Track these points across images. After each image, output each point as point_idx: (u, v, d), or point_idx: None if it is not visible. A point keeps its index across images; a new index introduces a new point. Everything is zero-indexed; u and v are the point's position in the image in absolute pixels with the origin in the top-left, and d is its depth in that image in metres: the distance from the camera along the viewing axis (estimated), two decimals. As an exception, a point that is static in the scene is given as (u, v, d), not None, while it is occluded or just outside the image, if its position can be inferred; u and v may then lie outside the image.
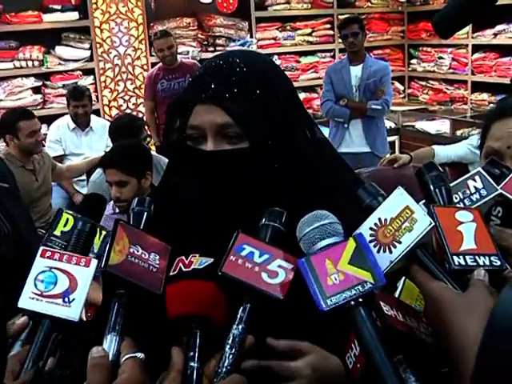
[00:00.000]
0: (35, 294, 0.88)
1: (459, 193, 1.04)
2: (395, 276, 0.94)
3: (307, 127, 1.19)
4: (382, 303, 0.85)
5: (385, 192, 0.98)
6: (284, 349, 1.00)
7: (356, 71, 5.00)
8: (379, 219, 0.90)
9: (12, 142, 3.96)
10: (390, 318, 0.84)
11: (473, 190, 1.04)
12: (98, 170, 3.80)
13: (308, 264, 0.83)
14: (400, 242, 0.87)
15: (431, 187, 1.00)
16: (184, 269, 0.91)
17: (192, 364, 0.85)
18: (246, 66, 1.11)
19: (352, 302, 0.80)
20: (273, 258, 0.90)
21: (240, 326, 0.87)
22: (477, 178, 1.05)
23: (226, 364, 0.85)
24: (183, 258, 0.92)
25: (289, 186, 1.11)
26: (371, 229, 0.90)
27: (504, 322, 0.63)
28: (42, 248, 0.92)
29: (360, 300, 0.80)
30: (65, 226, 1.07)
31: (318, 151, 1.20)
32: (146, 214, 1.01)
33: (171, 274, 0.91)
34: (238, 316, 0.88)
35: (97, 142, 5.14)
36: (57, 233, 1.06)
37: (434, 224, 0.87)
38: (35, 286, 0.88)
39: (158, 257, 0.93)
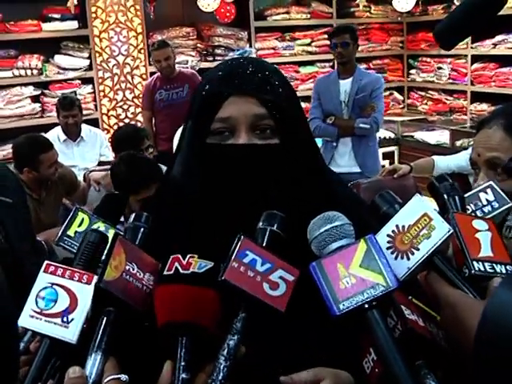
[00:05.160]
0: (35, 311, 0.85)
1: (471, 204, 1.06)
2: None
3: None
4: (403, 307, 0.85)
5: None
6: None
7: (345, 86, 4.65)
8: (397, 226, 0.90)
9: (30, 174, 3.74)
10: (412, 322, 0.84)
11: (485, 203, 1.06)
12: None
13: (319, 268, 0.83)
14: (418, 249, 0.87)
15: (445, 196, 1.02)
16: (182, 270, 0.86)
17: (183, 375, 0.82)
18: (269, 66, 1.13)
19: (365, 305, 0.80)
20: (274, 267, 0.87)
21: (235, 337, 0.84)
22: (488, 190, 1.08)
23: (220, 377, 0.81)
24: (179, 256, 0.87)
25: (305, 186, 1.11)
26: (389, 236, 0.90)
27: (495, 318, 0.65)
28: (45, 262, 0.88)
29: (373, 303, 0.80)
30: (79, 225, 1.04)
31: (319, 157, 1.21)
32: (142, 229, 0.98)
33: (165, 273, 0.87)
34: (234, 326, 0.85)
35: (89, 151, 5.09)
36: (70, 233, 1.04)
37: (452, 231, 0.87)
38: (36, 303, 0.85)
39: (152, 277, 0.90)
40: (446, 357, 0.86)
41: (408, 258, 0.87)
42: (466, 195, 1.07)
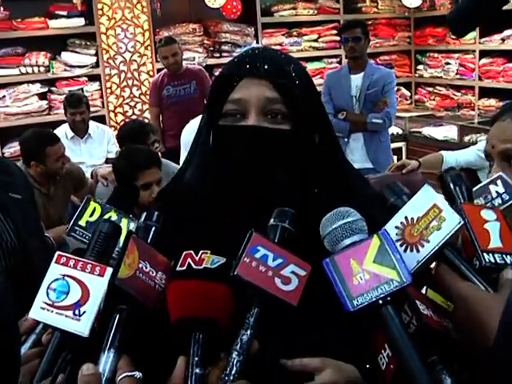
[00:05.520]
0: (46, 303, 0.84)
1: (481, 198, 1.04)
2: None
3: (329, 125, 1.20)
4: (418, 302, 0.84)
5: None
6: (298, 369, 0.96)
7: (356, 80, 4.60)
8: (405, 218, 0.89)
9: (37, 168, 3.75)
10: (427, 317, 0.83)
11: (494, 195, 1.05)
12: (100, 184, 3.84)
13: (333, 264, 0.82)
14: (428, 241, 0.86)
15: (452, 186, 1.00)
16: (194, 266, 0.86)
17: (197, 370, 0.82)
18: (286, 55, 1.14)
19: (380, 301, 0.79)
20: (286, 262, 0.87)
21: (248, 332, 0.84)
22: (498, 182, 1.06)
23: (233, 371, 0.82)
24: (192, 252, 0.88)
25: (317, 179, 1.10)
26: (397, 228, 0.89)
27: None
28: (57, 253, 0.88)
29: (388, 299, 0.79)
30: (91, 215, 1.04)
31: (338, 151, 1.19)
32: (154, 228, 0.98)
33: (178, 269, 0.87)
34: (247, 321, 0.85)
35: (96, 148, 5.11)
36: (82, 223, 1.03)
37: (463, 222, 0.86)
38: (47, 295, 0.85)
39: (164, 276, 0.90)
40: (460, 350, 0.85)
41: (418, 251, 0.86)
42: (475, 188, 1.06)
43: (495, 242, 0.89)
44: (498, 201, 1.04)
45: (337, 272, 0.81)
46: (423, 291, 0.96)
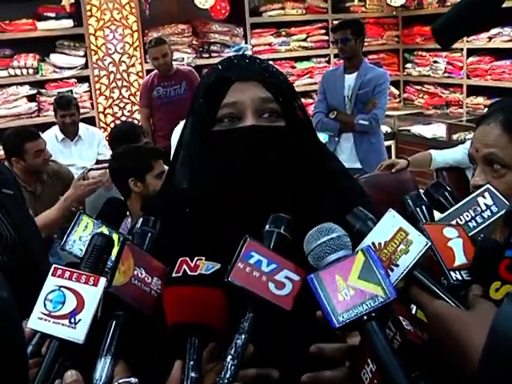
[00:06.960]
0: (44, 314, 0.87)
1: (470, 210, 1.04)
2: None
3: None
4: (401, 318, 0.85)
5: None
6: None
7: (349, 80, 4.59)
8: (373, 244, 0.89)
9: (18, 165, 3.79)
10: (410, 333, 0.84)
11: (483, 208, 1.03)
12: None
13: (318, 280, 0.82)
14: (397, 265, 0.86)
15: (412, 207, 1.02)
16: (189, 272, 0.88)
17: (192, 374, 0.83)
18: (263, 60, 1.16)
19: (364, 317, 0.79)
20: (280, 268, 0.88)
21: (243, 336, 0.85)
22: (486, 194, 1.05)
23: (228, 375, 0.83)
24: (187, 259, 0.89)
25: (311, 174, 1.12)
26: None
27: (506, 335, 0.64)
28: (53, 266, 0.91)
29: (372, 314, 0.79)
30: (84, 230, 1.06)
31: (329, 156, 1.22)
32: (149, 234, 1.00)
33: (174, 275, 0.88)
34: (241, 326, 0.86)
35: (87, 150, 5.11)
36: (75, 237, 1.06)
37: (430, 244, 0.86)
38: (44, 305, 0.88)
39: (160, 282, 0.92)
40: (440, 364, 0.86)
41: (388, 275, 0.85)
42: (464, 200, 1.05)
43: (460, 259, 0.89)
44: (487, 213, 1.02)
45: (322, 288, 0.81)
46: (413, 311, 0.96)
